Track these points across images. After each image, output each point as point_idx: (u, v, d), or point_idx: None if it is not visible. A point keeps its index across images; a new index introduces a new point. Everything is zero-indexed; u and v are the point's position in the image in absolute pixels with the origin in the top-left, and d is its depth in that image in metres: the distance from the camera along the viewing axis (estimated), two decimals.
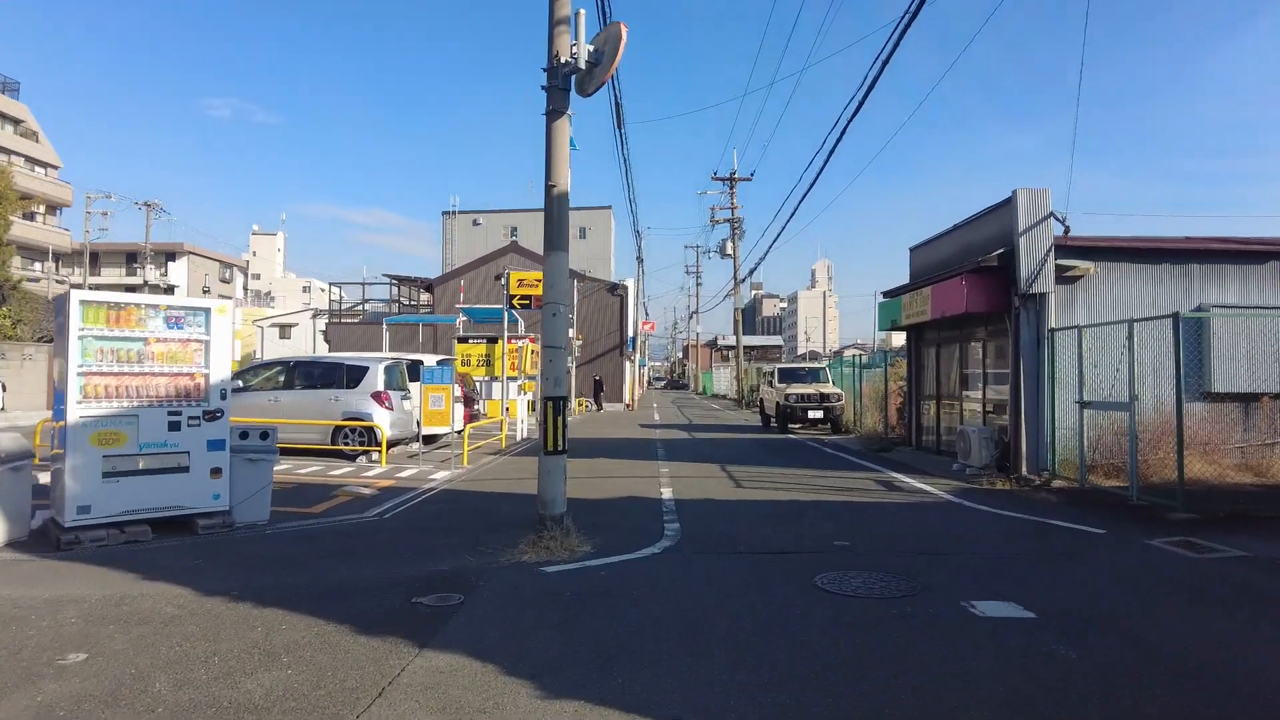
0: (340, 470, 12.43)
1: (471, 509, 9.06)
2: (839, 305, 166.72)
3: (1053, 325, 11.28)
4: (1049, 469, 11.04)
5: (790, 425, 21.01)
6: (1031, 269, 11.31)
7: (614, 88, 15.23)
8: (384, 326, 27.44)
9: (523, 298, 20.89)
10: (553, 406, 6.80)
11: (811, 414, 20.44)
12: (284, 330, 67.19)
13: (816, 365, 23.83)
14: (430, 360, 16.59)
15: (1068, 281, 11.52)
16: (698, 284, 69.20)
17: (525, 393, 20.60)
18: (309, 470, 12.37)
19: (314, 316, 56.80)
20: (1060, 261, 11.35)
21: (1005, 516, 8.58)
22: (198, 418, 7.63)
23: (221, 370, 7.87)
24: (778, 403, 21.08)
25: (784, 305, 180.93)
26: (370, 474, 12.12)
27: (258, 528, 7.90)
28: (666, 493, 10.11)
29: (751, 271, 34.87)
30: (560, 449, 6.84)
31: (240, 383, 14.54)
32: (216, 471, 7.75)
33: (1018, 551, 6.86)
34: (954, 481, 11.39)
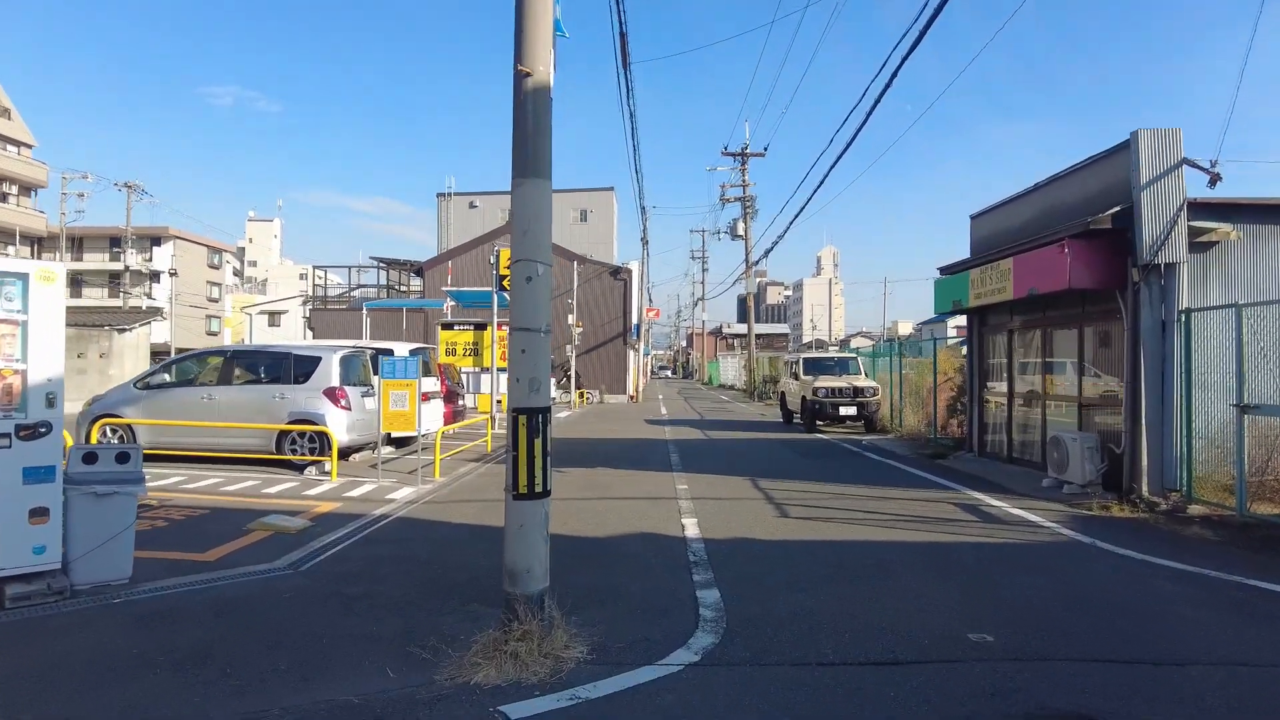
0: (278, 487, 9.96)
1: (424, 556, 6.56)
2: (844, 293, 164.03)
3: (1186, 305, 8.75)
4: (1181, 489, 8.55)
5: (817, 423, 18.50)
6: (1157, 233, 8.77)
7: (619, 12, 12.65)
8: (364, 312, 24.94)
9: None
10: (527, 425, 4.29)
11: (844, 411, 17.92)
12: (273, 317, 64.72)
13: (846, 355, 21.30)
14: (400, 349, 14.11)
15: (1198, 249, 8.99)
16: (703, 269, 66.21)
17: None
18: (239, 487, 9.90)
19: (304, 303, 54.29)
20: (1194, 223, 8.81)
21: (1174, 571, 6.08)
22: (6, 436, 5.15)
23: (48, 365, 5.37)
24: (804, 397, 18.57)
25: (788, 293, 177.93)
26: (314, 492, 9.65)
27: (107, 592, 5.43)
28: (690, 526, 7.61)
29: (767, 253, 32.35)
30: (540, 490, 4.34)
31: (168, 376, 12.07)
32: (39, 514, 5.27)
33: (1274, 656, 4.36)
34: (1054, 505, 8.90)
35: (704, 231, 70.51)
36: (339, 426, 11.42)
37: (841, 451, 14.62)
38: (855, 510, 8.57)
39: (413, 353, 13.84)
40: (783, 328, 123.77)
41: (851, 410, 17.94)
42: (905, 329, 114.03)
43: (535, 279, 4.36)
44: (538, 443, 4.32)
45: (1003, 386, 12.63)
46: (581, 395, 31.49)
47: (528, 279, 4.35)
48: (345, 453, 12.40)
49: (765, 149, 35.31)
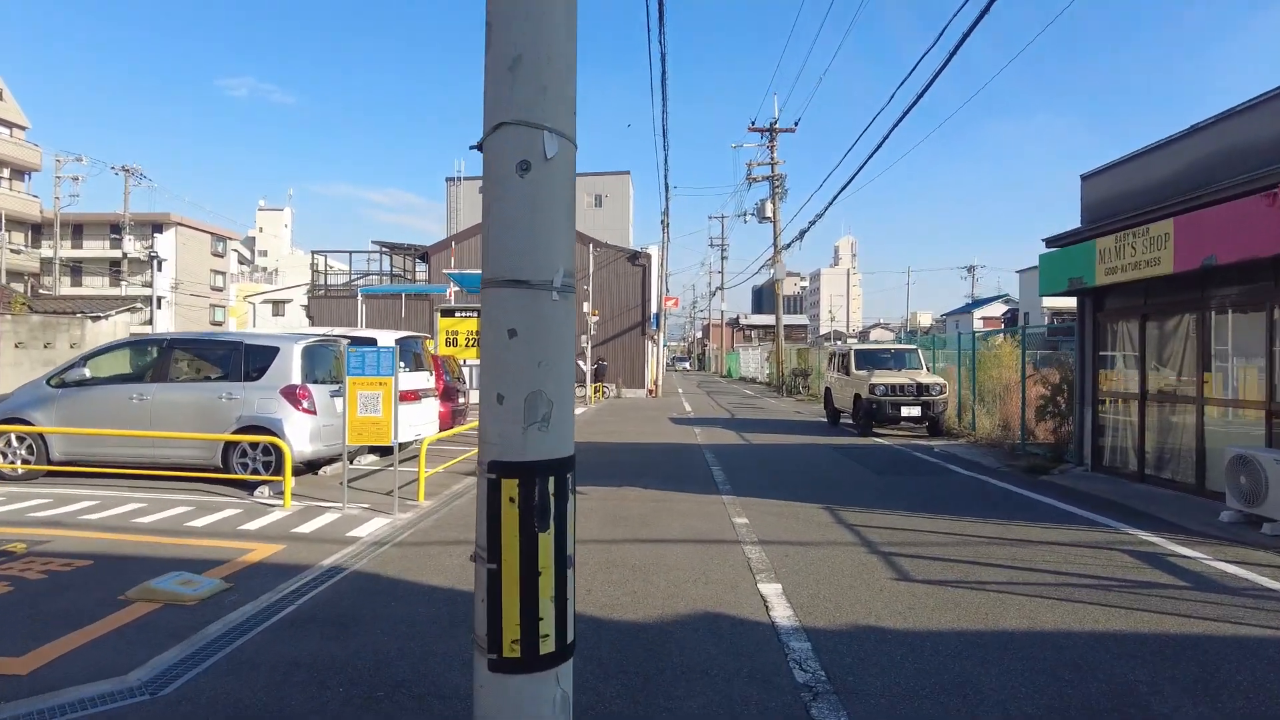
0: (211, 517, 7.61)
1: (370, 660, 4.15)
2: (862, 284, 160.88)
3: None
4: None
5: (873, 425, 15.99)
6: None
7: None
8: (359, 299, 22.56)
9: None
10: (521, 506, 1.84)
11: (906, 411, 15.40)
12: (278, 307, 62.62)
13: (904, 346, 18.73)
14: (385, 338, 11.72)
15: None
16: (723, 257, 63.43)
17: None
18: (158, 518, 7.54)
19: (308, 292, 52.12)
20: None
21: None
22: None
23: None
24: (858, 395, 16.05)
25: (804, 284, 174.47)
26: (255, 525, 7.28)
27: None
28: (775, 599, 5.15)
29: (803, 233, 29.60)
30: (554, 650, 1.90)
31: (88, 371, 9.71)
32: None
33: None
34: (1267, 554, 6.39)
35: (724, 217, 67.75)
36: (299, 435, 9.05)
37: (917, 463, 12.12)
38: (996, 566, 6.08)
39: (399, 342, 11.45)
40: (801, 319, 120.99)
41: (915, 411, 15.42)
42: (925, 320, 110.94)
43: (541, 168, 1.90)
44: (547, 544, 1.88)
45: (1130, 385, 10.09)
46: (598, 389, 29.12)
47: (522, 168, 1.89)
48: (314, 465, 10.07)
49: (796, 123, 32.59)
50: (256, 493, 8.71)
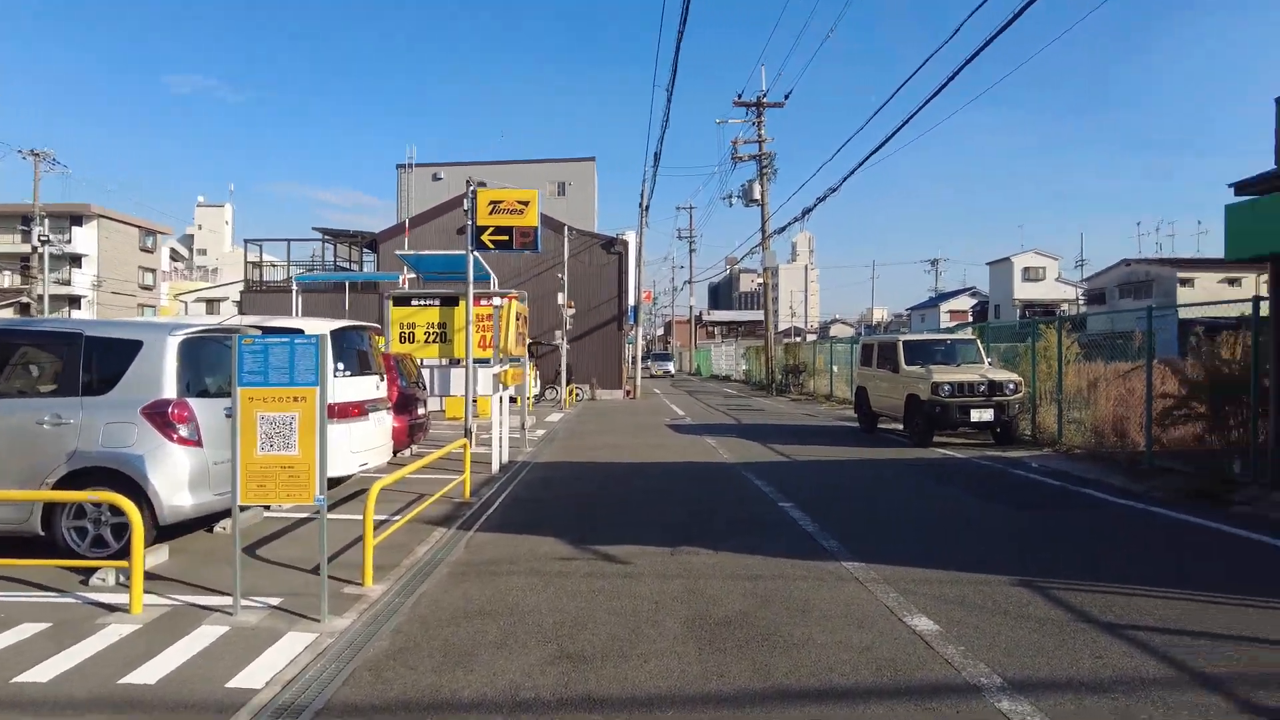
0: None
1: None
2: (819, 279, 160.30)
3: None
4: None
5: (932, 432, 13.09)
6: None
7: None
8: (294, 290, 18.89)
9: (498, 230, 12.60)
10: None
11: (976, 415, 12.51)
12: (212, 305, 57.68)
13: (959, 336, 15.84)
14: (317, 327, 8.31)
15: None
16: (691, 250, 60.59)
17: (505, 386, 12.41)
18: None
19: (244, 286, 47.53)
20: None
21: None
22: None
23: None
24: (914, 396, 13.11)
25: (759, 281, 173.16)
26: (52, 671, 3.91)
27: None
28: None
29: (806, 214, 26.11)
30: None
31: None
32: None
33: None
34: None
35: (691, 208, 65.01)
36: (173, 482, 5.71)
37: (1038, 488, 9.20)
38: None
39: (335, 335, 8.09)
40: (758, 314, 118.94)
41: (986, 415, 12.53)
42: (880, 315, 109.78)
43: None
44: None
45: None
46: (571, 391, 25.83)
47: None
48: (203, 521, 6.65)
49: (786, 97, 29.68)
50: (96, 579, 5.33)
